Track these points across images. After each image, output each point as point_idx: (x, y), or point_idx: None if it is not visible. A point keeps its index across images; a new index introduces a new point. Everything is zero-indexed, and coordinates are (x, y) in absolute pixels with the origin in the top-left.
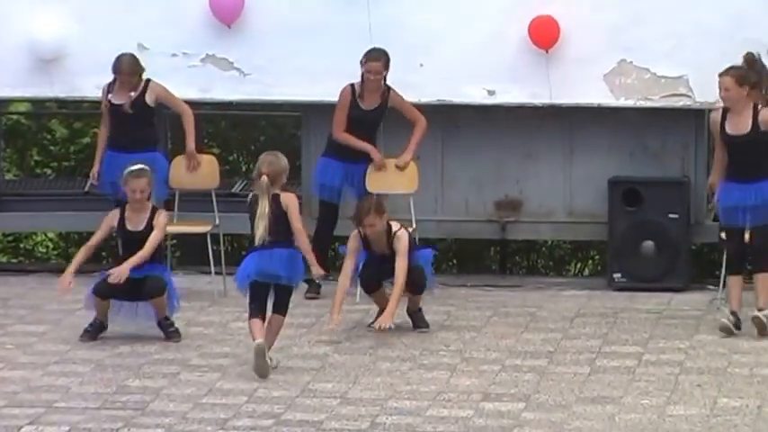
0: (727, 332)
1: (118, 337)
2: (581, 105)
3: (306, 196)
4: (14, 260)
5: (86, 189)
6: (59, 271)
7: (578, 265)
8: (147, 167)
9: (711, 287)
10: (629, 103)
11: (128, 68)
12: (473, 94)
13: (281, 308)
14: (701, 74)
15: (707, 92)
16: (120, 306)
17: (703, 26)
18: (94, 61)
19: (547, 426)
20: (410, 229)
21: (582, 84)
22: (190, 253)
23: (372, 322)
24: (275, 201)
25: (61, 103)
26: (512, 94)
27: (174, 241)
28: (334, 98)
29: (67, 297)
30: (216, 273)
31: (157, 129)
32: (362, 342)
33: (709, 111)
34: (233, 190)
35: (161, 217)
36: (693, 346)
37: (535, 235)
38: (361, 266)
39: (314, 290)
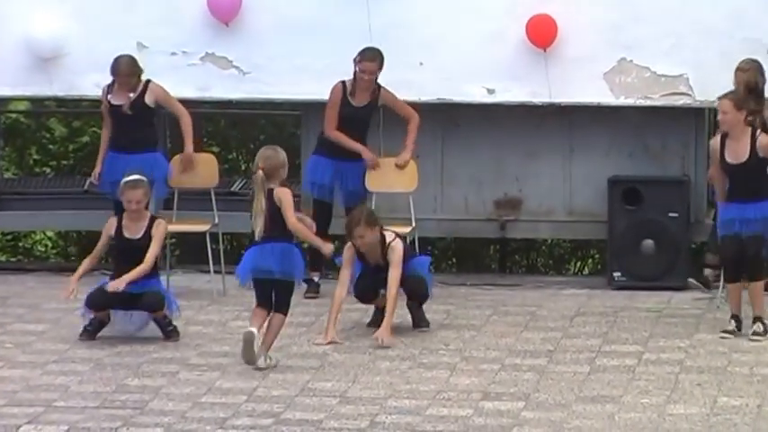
0: (730, 334)
1: (117, 337)
2: (581, 104)
3: (305, 195)
4: (13, 259)
5: (86, 188)
6: (59, 270)
7: (578, 264)
8: (143, 178)
9: (701, 292)
10: (629, 101)
11: (125, 70)
12: (473, 92)
13: (282, 306)
14: (701, 73)
15: (707, 90)
16: (114, 313)
17: (703, 25)
18: (94, 60)
19: (546, 425)
20: (409, 229)
21: (582, 82)
22: (189, 252)
23: (370, 322)
24: (270, 196)
25: (60, 101)
26: (511, 92)
27: (174, 240)
28: None
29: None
30: (215, 271)
31: (157, 129)
32: (362, 341)
33: (709, 110)
34: (232, 189)
35: (159, 228)
36: (693, 345)
37: (535, 234)
38: (355, 280)
39: (313, 289)
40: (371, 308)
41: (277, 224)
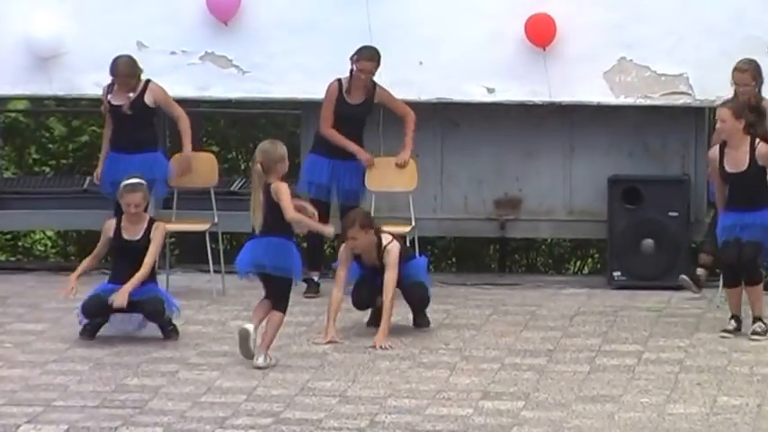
0: (730, 333)
1: (116, 336)
2: (581, 103)
3: (302, 195)
4: (13, 258)
5: (85, 187)
6: (58, 269)
7: (578, 264)
8: (142, 181)
9: (692, 292)
10: (629, 101)
11: (124, 70)
12: (473, 91)
13: (279, 304)
14: (702, 72)
15: (707, 90)
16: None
17: (704, 24)
18: (93, 59)
19: (546, 424)
20: (409, 228)
21: (582, 82)
22: (188, 251)
23: (369, 321)
24: (267, 190)
25: (60, 100)
26: (511, 92)
27: (173, 239)
28: None
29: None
30: (215, 271)
31: (157, 128)
32: (362, 340)
33: (710, 109)
34: (232, 188)
35: (158, 231)
36: (693, 345)
37: (535, 233)
38: (352, 287)
39: (313, 289)
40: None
41: (275, 219)
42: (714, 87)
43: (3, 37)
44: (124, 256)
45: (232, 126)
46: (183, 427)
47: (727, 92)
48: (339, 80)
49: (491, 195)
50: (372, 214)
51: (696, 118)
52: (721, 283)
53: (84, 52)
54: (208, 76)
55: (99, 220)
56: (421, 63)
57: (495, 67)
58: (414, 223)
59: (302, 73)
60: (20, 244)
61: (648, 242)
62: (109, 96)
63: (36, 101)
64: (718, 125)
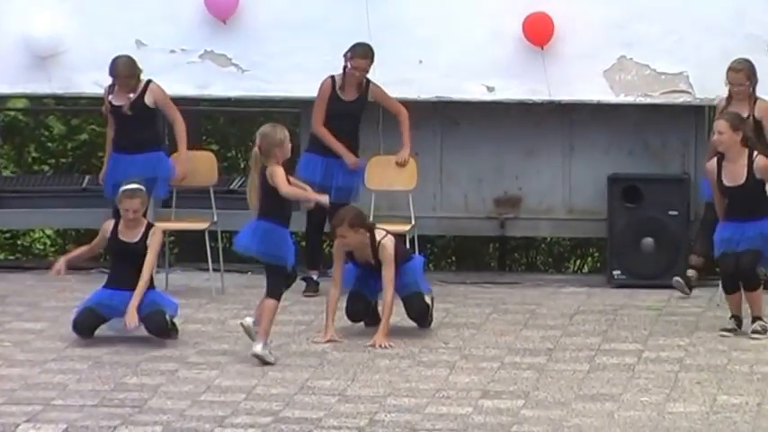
0: (729, 332)
1: (115, 335)
2: (581, 102)
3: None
4: (12, 257)
5: (84, 186)
6: None
7: (578, 263)
8: (141, 187)
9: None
10: (629, 99)
11: (123, 71)
12: (472, 90)
13: (270, 291)
14: (702, 70)
15: (707, 88)
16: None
17: (704, 22)
18: (92, 57)
19: (546, 423)
20: (409, 227)
21: (582, 80)
22: (188, 250)
23: (369, 320)
24: (263, 174)
25: (59, 99)
26: (511, 90)
27: (172, 238)
28: None
29: (66, 295)
30: (214, 270)
31: (159, 127)
32: (361, 339)
33: (710, 108)
34: (231, 187)
35: (155, 236)
36: (693, 344)
37: (534, 232)
38: (347, 296)
39: (312, 287)
40: None
41: (270, 204)
42: (714, 86)
43: (2, 36)
44: (123, 260)
45: (231, 124)
46: (182, 425)
47: (724, 91)
48: (332, 77)
49: (491, 194)
50: (372, 213)
51: (696, 117)
52: (720, 287)
53: (84, 51)
54: (207, 75)
55: (98, 219)
56: (420, 62)
57: (495, 66)
58: (413, 222)
59: (302, 72)
60: (19, 243)
61: (648, 241)
62: (110, 97)
63: (35, 99)
64: (715, 137)
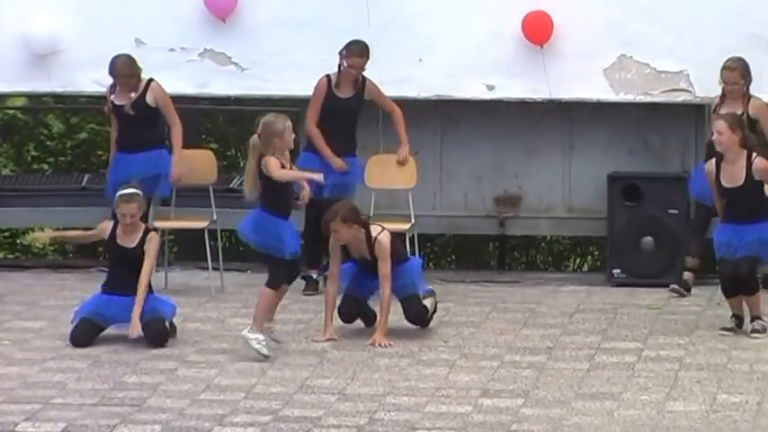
0: (729, 331)
1: (115, 334)
2: (581, 100)
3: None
4: (11, 256)
5: (84, 184)
6: (56, 267)
7: (577, 261)
8: (138, 192)
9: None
10: (629, 98)
11: (123, 71)
12: (472, 89)
13: (268, 279)
14: (702, 69)
15: (707, 87)
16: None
17: (704, 21)
18: (91, 56)
19: (546, 421)
20: (408, 225)
21: (582, 79)
22: (187, 248)
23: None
24: (259, 163)
25: (58, 97)
26: (511, 89)
27: (172, 236)
28: None
29: (65, 293)
30: (213, 268)
31: (161, 126)
32: (360, 338)
33: (710, 106)
34: (230, 185)
35: (152, 242)
36: (693, 342)
37: (534, 230)
38: (341, 297)
39: (312, 286)
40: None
41: (266, 194)
42: (714, 85)
43: (1, 34)
44: (121, 264)
45: (231, 123)
46: (181, 424)
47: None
48: (328, 76)
49: (491, 192)
50: (372, 211)
51: (696, 115)
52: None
53: (83, 49)
54: (207, 73)
55: (97, 218)
56: (420, 60)
57: (495, 65)
58: (413, 220)
59: (301, 70)
60: (18, 241)
61: (648, 239)
62: (112, 97)
63: (34, 98)
64: (714, 137)
